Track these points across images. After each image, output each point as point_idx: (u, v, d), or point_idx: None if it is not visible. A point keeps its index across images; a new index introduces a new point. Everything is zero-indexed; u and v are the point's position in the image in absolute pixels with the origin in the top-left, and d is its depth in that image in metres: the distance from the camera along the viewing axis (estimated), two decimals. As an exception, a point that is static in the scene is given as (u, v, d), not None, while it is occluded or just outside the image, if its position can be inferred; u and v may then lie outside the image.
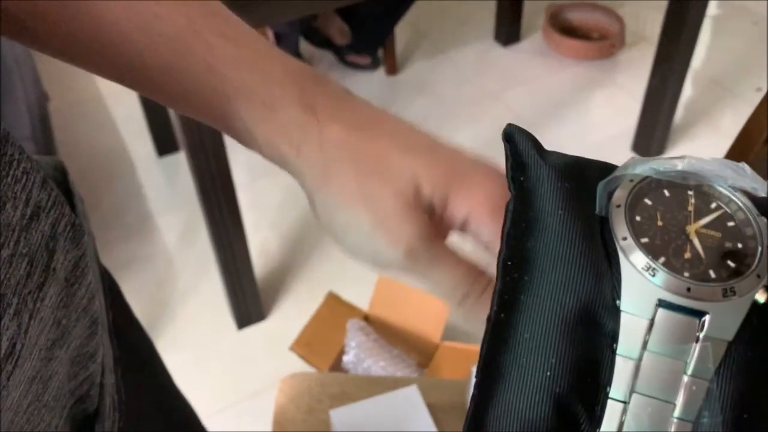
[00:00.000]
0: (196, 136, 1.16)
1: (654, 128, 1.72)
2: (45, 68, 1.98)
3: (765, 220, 0.23)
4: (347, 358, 1.20)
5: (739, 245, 0.23)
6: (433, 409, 0.78)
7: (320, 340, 1.26)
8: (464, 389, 0.80)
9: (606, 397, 0.21)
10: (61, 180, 0.37)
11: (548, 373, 0.22)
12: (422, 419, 0.74)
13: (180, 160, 1.80)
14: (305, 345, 1.25)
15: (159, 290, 1.53)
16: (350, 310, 1.31)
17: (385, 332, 1.28)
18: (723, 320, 0.21)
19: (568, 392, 0.22)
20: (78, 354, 0.32)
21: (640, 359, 0.21)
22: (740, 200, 0.23)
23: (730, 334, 0.21)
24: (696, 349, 0.21)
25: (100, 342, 0.34)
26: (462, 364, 1.19)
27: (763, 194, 0.23)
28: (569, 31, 2.15)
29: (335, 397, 0.80)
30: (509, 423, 0.22)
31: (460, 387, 0.81)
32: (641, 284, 0.21)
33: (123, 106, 1.93)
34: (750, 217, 0.23)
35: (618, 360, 0.21)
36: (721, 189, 0.24)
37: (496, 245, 0.25)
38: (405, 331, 1.29)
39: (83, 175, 1.75)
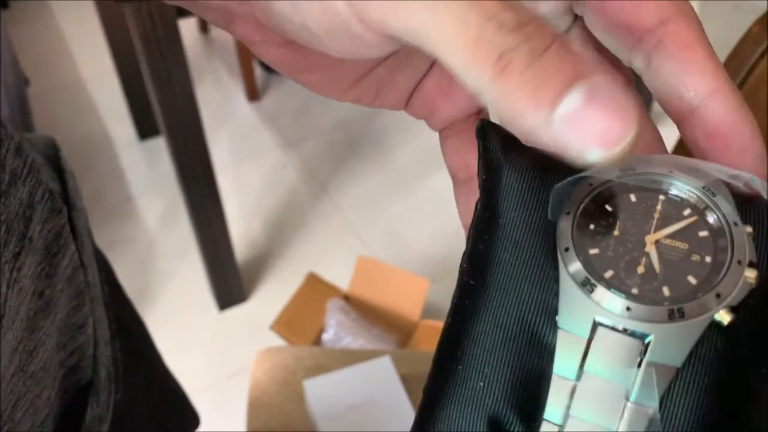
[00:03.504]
0: (175, 118, 1.16)
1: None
2: (25, 52, 1.97)
3: (745, 229, 0.20)
4: (326, 337, 1.22)
5: (708, 259, 0.20)
6: (406, 380, 0.79)
7: (300, 320, 1.27)
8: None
9: (542, 417, 0.20)
10: (54, 156, 0.38)
11: (480, 384, 0.20)
12: (395, 389, 0.76)
13: (161, 143, 1.79)
14: (285, 324, 1.26)
15: (140, 272, 1.53)
16: (330, 290, 1.32)
17: (365, 311, 1.29)
18: (669, 344, 0.18)
19: (502, 406, 0.20)
20: (65, 325, 0.32)
21: (577, 380, 0.19)
22: (719, 205, 0.20)
23: (678, 359, 0.19)
24: (639, 374, 0.18)
25: (88, 313, 0.34)
26: (440, 342, 1.20)
27: (760, 189, 0.20)
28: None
29: (310, 369, 0.81)
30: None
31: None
32: (579, 300, 0.19)
33: (104, 90, 1.92)
34: (724, 224, 0.20)
35: (554, 379, 0.19)
36: (697, 192, 0.20)
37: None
38: (385, 310, 1.30)
39: (64, 159, 1.74)
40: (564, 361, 0.19)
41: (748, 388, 0.19)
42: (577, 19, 0.25)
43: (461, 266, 0.22)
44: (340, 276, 1.36)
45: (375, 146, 1.78)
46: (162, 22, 1.06)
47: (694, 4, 2.12)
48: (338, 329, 1.21)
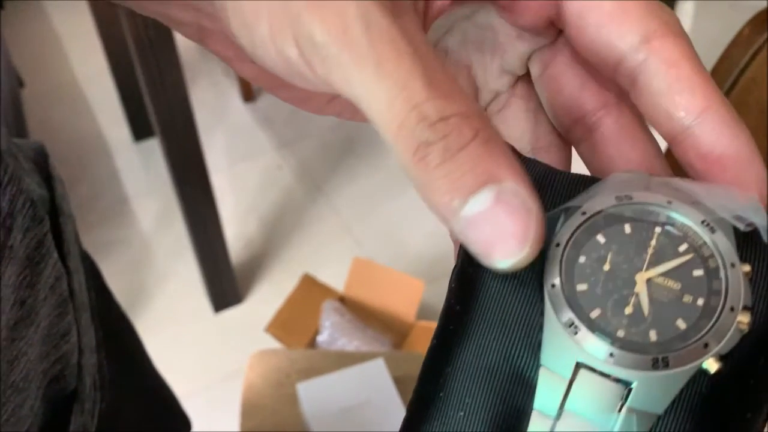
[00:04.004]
0: (169, 119, 1.16)
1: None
2: (19, 53, 1.96)
3: (742, 269, 0.19)
4: (321, 338, 1.21)
5: (700, 301, 0.19)
6: (400, 382, 0.79)
7: (295, 321, 1.27)
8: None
9: None
10: (42, 163, 0.37)
11: (461, 414, 0.20)
12: (388, 392, 0.76)
13: (156, 144, 1.79)
14: (280, 326, 1.26)
15: (135, 274, 1.53)
16: (325, 291, 1.32)
17: (360, 313, 1.29)
18: (652, 392, 0.18)
19: None
20: (48, 334, 0.32)
21: (558, 418, 0.19)
22: (717, 243, 0.19)
23: (660, 407, 0.18)
24: (619, 418, 0.18)
25: (72, 321, 0.34)
26: (435, 343, 1.20)
27: (763, 234, 0.19)
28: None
29: (303, 371, 0.81)
30: None
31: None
32: (562, 341, 0.19)
33: (99, 91, 1.92)
34: (721, 265, 0.19)
35: (534, 414, 0.19)
36: (696, 228, 0.19)
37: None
38: (380, 311, 1.30)
39: (59, 160, 1.72)
40: (545, 399, 0.19)
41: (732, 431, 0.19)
42: (522, 77, 0.25)
43: (450, 285, 0.22)
44: (336, 277, 1.35)
45: (370, 147, 1.78)
46: (156, 23, 1.05)
47: (690, 4, 2.10)
48: (333, 331, 1.20)
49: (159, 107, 1.14)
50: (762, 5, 0.58)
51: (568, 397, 0.19)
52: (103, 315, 0.41)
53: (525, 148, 0.26)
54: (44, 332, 0.31)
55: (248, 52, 0.21)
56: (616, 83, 0.22)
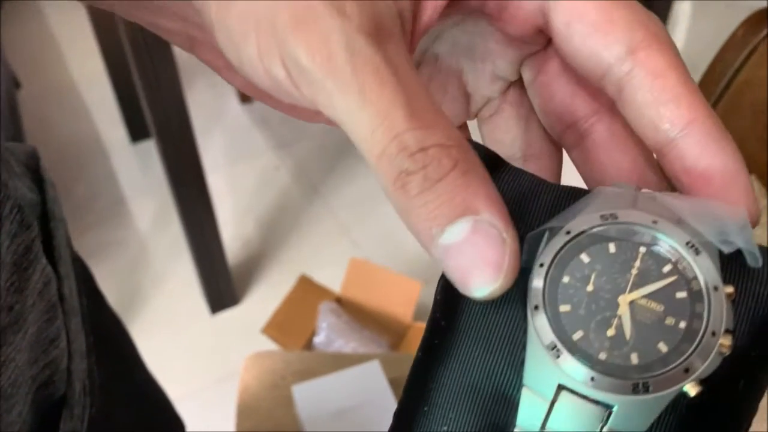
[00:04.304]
0: (165, 121, 1.15)
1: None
2: (17, 55, 1.96)
3: (725, 291, 0.19)
4: (318, 340, 1.21)
5: (682, 324, 0.19)
6: (395, 384, 0.79)
7: (292, 323, 1.27)
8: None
9: None
10: (34, 166, 0.37)
11: (444, 428, 0.21)
12: (383, 394, 0.76)
13: (153, 146, 1.79)
14: (277, 327, 1.26)
15: (132, 275, 1.53)
16: (322, 292, 1.32)
17: (357, 314, 1.29)
18: (632, 415, 0.18)
19: None
20: (37, 340, 0.32)
21: None
22: (701, 266, 0.19)
23: (640, 428, 0.19)
24: None
25: (61, 327, 0.33)
26: (432, 344, 1.20)
27: (754, 263, 0.19)
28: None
29: (299, 373, 0.81)
30: None
31: (422, 362, 0.82)
32: (544, 363, 0.19)
33: (96, 92, 1.91)
34: (704, 288, 0.19)
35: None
36: (681, 250, 0.19)
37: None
38: (377, 312, 1.30)
39: (56, 161, 1.74)
40: (527, 417, 0.19)
41: None
42: (514, 83, 0.25)
43: (435, 297, 0.22)
44: (333, 278, 1.35)
45: (368, 147, 1.78)
46: (151, 24, 1.05)
47: (687, 4, 2.10)
48: (330, 332, 1.20)
49: (155, 109, 1.14)
50: (758, 5, 0.58)
51: (550, 416, 0.19)
52: (95, 319, 0.41)
53: (516, 154, 0.26)
54: (33, 338, 0.31)
55: (236, 68, 0.21)
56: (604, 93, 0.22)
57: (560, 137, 0.25)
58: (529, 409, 0.19)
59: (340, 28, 0.18)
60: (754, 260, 0.19)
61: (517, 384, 0.20)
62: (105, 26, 1.57)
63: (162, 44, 1.08)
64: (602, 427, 0.19)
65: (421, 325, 1.27)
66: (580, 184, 0.25)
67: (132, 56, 1.08)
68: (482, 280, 0.18)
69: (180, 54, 1.15)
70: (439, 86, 0.26)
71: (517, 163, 0.26)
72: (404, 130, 0.18)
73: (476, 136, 0.28)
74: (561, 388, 0.19)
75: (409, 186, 0.18)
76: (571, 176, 0.27)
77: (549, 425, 0.19)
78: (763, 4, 0.59)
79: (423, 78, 0.26)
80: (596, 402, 0.18)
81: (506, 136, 0.26)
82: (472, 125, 0.28)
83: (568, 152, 0.25)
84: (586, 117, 0.24)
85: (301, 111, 0.25)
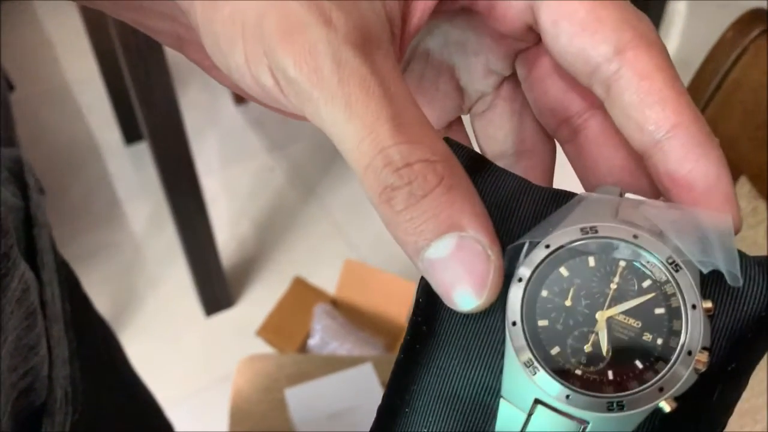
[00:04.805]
0: (157, 123, 1.15)
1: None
2: (10, 57, 1.96)
3: (703, 306, 0.19)
4: (312, 342, 1.21)
5: (659, 341, 0.19)
6: (389, 387, 0.78)
7: (287, 325, 1.26)
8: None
9: None
10: (18, 172, 0.37)
11: (425, 430, 0.21)
12: (376, 396, 0.75)
13: (147, 148, 1.79)
14: (272, 330, 1.26)
15: (127, 278, 1.52)
16: (317, 294, 1.32)
17: (352, 315, 1.29)
18: (607, 430, 0.19)
19: None
20: (16, 347, 0.31)
21: None
22: (680, 283, 0.19)
23: None
24: None
25: (41, 334, 0.33)
26: (427, 345, 1.20)
27: (734, 283, 0.19)
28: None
29: (292, 376, 0.81)
30: None
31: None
32: (521, 378, 0.19)
33: (90, 94, 1.91)
34: (682, 306, 0.19)
35: None
36: (660, 266, 0.19)
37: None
38: (372, 313, 1.30)
39: (50, 164, 1.73)
40: (504, 428, 0.20)
41: None
42: (507, 78, 0.25)
43: (416, 299, 0.22)
44: (329, 279, 1.35)
45: (363, 148, 1.78)
46: (143, 27, 1.05)
47: (681, 4, 2.10)
48: (324, 334, 1.20)
49: (148, 112, 1.13)
50: (752, 5, 0.58)
51: (527, 428, 0.19)
52: (81, 325, 0.40)
53: (509, 150, 0.26)
54: (12, 345, 0.31)
55: (224, 73, 0.21)
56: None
57: (555, 132, 0.25)
58: (506, 419, 0.20)
59: (327, 39, 0.18)
60: (734, 280, 0.19)
61: (496, 390, 0.20)
62: (98, 28, 1.57)
63: (154, 46, 1.08)
64: None
65: (417, 327, 1.27)
66: (573, 179, 0.25)
67: (124, 58, 1.07)
68: (467, 295, 0.18)
69: (173, 55, 1.15)
70: (431, 82, 0.26)
71: (510, 159, 0.26)
72: (390, 144, 0.18)
73: (468, 132, 0.27)
74: (537, 402, 0.19)
75: (394, 201, 0.18)
76: (566, 172, 0.27)
77: None
78: (755, 4, 0.59)
79: (414, 74, 0.26)
80: (571, 417, 0.19)
81: (499, 132, 0.26)
82: (465, 120, 0.28)
83: (562, 147, 0.25)
84: (580, 113, 0.24)
85: (291, 114, 0.25)
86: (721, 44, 0.55)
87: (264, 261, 1.55)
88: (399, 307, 1.28)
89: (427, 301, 0.21)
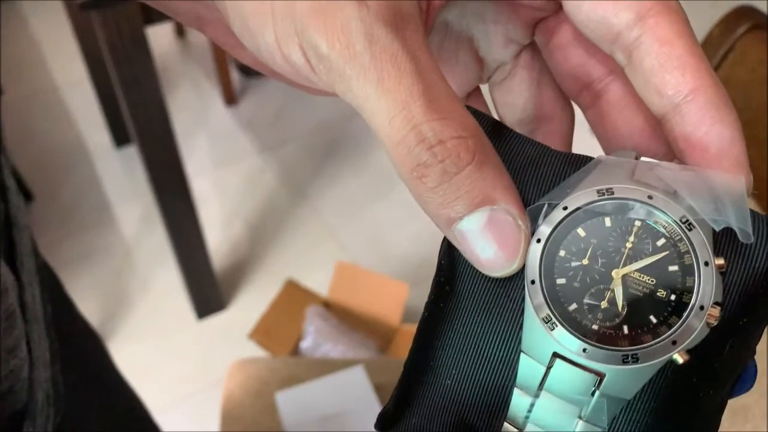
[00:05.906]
0: (146, 126, 1.14)
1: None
2: (-3, 60, 1.95)
3: (715, 263, 0.20)
4: (305, 344, 1.21)
5: (672, 297, 0.20)
6: (381, 390, 0.78)
7: (279, 328, 1.26)
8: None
9: (504, 419, 0.21)
10: None
11: (448, 382, 0.22)
12: (368, 399, 0.75)
13: (136, 151, 1.78)
14: (264, 333, 1.25)
15: (117, 281, 1.51)
16: (309, 296, 1.31)
17: (345, 317, 1.28)
18: (622, 382, 0.20)
19: (467, 405, 0.22)
20: None
21: (536, 397, 0.21)
22: (693, 241, 0.20)
23: (629, 393, 0.20)
24: (592, 401, 0.20)
25: (21, 336, 0.33)
26: (419, 346, 1.20)
27: (745, 240, 0.20)
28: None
29: (284, 380, 0.80)
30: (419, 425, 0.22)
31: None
32: (540, 333, 0.20)
33: (79, 97, 1.90)
34: (695, 263, 0.20)
35: (516, 391, 0.21)
36: (674, 225, 0.20)
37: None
38: (365, 315, 1.29)
39: (39, 168, 1.72)
40: (525, 379, 0.21)
41: (694, 407, 0.21)
42: (526, 47, 0.26)
43: (439, 262, 0.23)
44: (321, 281, 1.35)
45: (354, 149, 1.77)
46: (129, 29, 1.04)
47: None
48: (317, 336, 1.20)
49: (136, 114, 1.12)
50: (742, 4, 0.57)
51: (546, 379, 0.20)
52: (63, 327, 0.40)
53: (528, 117, 0.27)
54: None
55: (253, 53, 0.21)
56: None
57: (576, 98, 0.25)
58: (527, 372, 0.21)
59: (359, 16, 0.19)
60: (746, 237, 0.20)
61: (517, 346, 0.21)
62: (86, 31, 1.56)
63: (140, 49, 1.07)
64: (594, 391, 0.20)
65: (410, 328, 1.26)
66: (590, 147, 0.25)
67: (111, 62, 1.06)
68: (499, 263, 0.20)
69: (164, 57, 1.14)
70: (450, 53, 0.26)
71: (529, 126, 0.27)
72: (422, 121, 0.18)
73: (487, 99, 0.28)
74: (556, 355, 0.20)
75: (426, 178, 0.19)
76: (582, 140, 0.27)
77: (546, 386, 0.20)
78: (744, 2, 0.59)
79: (434, 46, 0.26)
80: (589, 369, 0.20)
81: (519, 100, 0.26)
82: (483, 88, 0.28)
83: (583, 112, 0.25)
84: (601, 77, 0.24)
85: (320, 91, 0.25)
86: (707, 42, 0.55)
87: (255, 263, 1.54)
88: (392, 309, 1.27)
89: (450, 263, 0.22)
